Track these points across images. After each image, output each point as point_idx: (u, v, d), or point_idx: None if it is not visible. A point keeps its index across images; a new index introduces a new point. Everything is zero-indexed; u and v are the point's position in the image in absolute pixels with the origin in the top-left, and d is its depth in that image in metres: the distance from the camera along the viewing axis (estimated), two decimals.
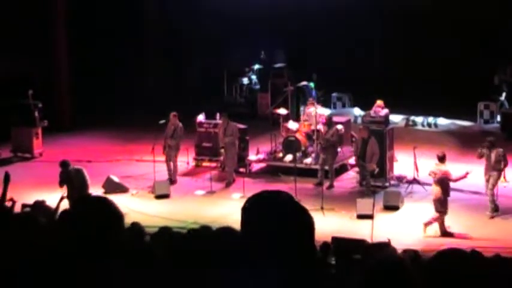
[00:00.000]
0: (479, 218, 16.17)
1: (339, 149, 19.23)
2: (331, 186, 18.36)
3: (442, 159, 15.68)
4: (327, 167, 18.59)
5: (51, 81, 24.69)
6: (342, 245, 12.72)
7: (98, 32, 25.78)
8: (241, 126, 19.86)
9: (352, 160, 19.20)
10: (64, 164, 16.28)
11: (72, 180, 16.00)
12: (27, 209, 12.72)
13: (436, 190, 15.53)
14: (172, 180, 18.85)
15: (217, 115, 20.57)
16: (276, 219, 2.33)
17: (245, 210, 2.38)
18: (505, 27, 23.84)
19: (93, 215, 3.05)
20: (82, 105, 24.16)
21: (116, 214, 3.06)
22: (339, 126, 19.46)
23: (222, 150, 19.23)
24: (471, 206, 16.76)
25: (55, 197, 15.03)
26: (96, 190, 17.26)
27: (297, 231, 2.32)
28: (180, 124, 19.02)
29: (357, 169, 18.61)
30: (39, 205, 12.76)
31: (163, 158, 18.92)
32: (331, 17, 25.29)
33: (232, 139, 19.03)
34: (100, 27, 25.77)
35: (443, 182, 15.43)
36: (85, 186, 16.12)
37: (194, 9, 26.58)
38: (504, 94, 24.08)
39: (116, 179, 18.50)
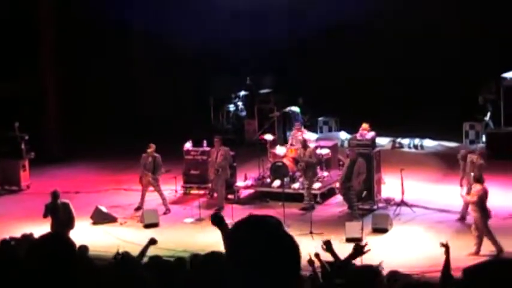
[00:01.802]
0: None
1: (319, 172, 19.29)
2: (309, 209, 18.27)
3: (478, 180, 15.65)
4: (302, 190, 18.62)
5: (39, 109, 24.66)
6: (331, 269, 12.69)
7: (86, 56, 25.92)
8: (231, 152, 19.90)
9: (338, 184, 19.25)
10: (54, 196, 16.23)
11: (58, 213, 15.97)
12: (13, 242, 12.66)
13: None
14: (166, 209, 18.86)
15: (204, 142, 20.60)
16: (261, 244, 2.33)
17: (231, 234, 2.39)
18: (488, 44, 24.07)
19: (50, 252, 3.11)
20: (70, 135, 24.16)
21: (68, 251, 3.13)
22: (311, 145, 19.57)
23: (216, 174, 19.11)
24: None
25: (43, 230, 15.02)
26: (84, 221, 17.22)
27: (283, 256, 2.33)
28: (157, 155, 19.01)
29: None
30: (27, 238, 12.70)
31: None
32: (315, 41, 25.48)
33: (225, 163, 19.09)
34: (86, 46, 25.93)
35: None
36: (71, 220, 16.09)
37: (179, 33, 26.73)
38: (489, 114, 24.23)
39: (104, 209, 18.46)
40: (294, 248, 2.33)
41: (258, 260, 2.25)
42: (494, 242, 15.32)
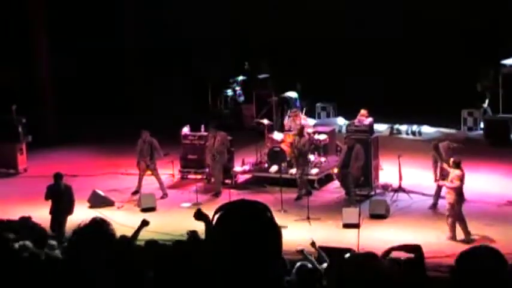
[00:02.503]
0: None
1: (312, 158, 19.25)
2: (299, 198, 18.20)
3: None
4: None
5: (34, 94, 24.61)
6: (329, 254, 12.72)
7: (77, 40, 25.85)
8: (228, 137, 19.88)
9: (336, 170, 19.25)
10: (58, 177, 16.04)
11: (62, 195, 15.87)
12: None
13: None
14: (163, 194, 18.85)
15: (202, 127, 20.58)
16: (247, 226, 2.33)
17: (214, 216, 2.39)
18: (488, 31, 24.02)
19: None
20: (66, 118, 24.12)
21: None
22: (309, 130, 19.56)
23: (211, 160, 19.09)
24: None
25: (41, 213, 15.01)
26: (81, 204, 17.21)
27: (266, 239, 2.33)
28: (153, 139, 18.94)
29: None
30: (25, 221, 12.67)
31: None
32: (314, 26, 25.42)
33: (223, 148, 19.07)
34: (80, 36, 25.86)
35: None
36: (72, 203, 16.04)
37: (175, 19, 26.67)
38: (487, 101, 24.21)
39: (101, 193, 18.45)
40: (278, 233, 2.35)
41: (241, 241, 2.27)
42: (465, 229, 15.34)
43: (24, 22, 24.65)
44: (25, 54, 24.68)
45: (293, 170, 19.27)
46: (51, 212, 15.74)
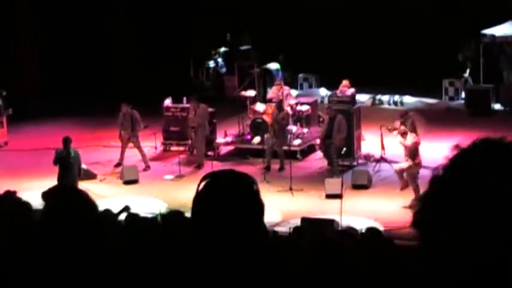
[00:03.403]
0: None
1: (292, 128, 19.26)
2: (281, 169, 18.24)
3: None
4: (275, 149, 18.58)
5: (16, 67, 24.42)
6: (312, 226, 12.82)
7: (63, 13, 25.61)
8: (209, 109, 19.85)
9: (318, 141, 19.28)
10: (67, 142, 15.56)
11: (70, 161, 15.39)
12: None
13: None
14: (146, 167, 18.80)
15: (184, 99, 20.52)
16: (234, 197, 2.35)
17: (199, 183, 2.40)
18: (466, 2, 24.03)
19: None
20: (48, 91, 23.97)
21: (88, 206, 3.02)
22: (292, 101, 19.53)
23: (192, 132, 19.12)
24: None
25: (25, 187, 14.94)
26: None
27: (251, 210, 2.35)
28: (135, 111, 18.87)
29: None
30: (10, 195, 12.63)
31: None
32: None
33: (203, 120, 19.04)
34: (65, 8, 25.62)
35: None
36: (80, 170, 15.81)
37: None
38: (468, 71, 24.28)
39: (83, 166, 18.39)
40: (261, 205, 2.37)
41: (223, 213, 2.29)
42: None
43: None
44: (9, 32, 24.48)
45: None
46: (59, 178, 15.25)
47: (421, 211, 1.92)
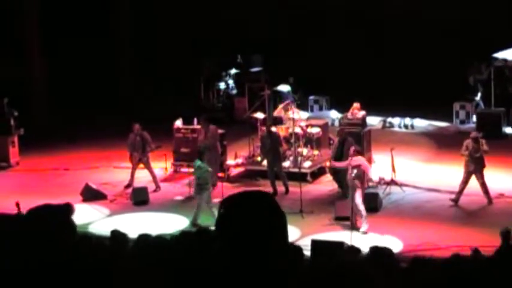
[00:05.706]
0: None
1: (305, 152, 19.26)
2: (287, 191, 18.07)
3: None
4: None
5: (26, 88, 24.56)
6: (322, 248, 12.77)
7: (69, 33, 25.80)
8: (219, 130, 19.85)
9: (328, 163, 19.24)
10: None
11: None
12: None
13: None
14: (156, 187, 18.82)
15: (195, 120, 20.55)
16: (263, 215, 2.35)
17: (221, 207, 2.40)
18: (478, 26, 24.07)
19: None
20: (58, 111, 24.07)
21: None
22: (302, 123, 19.57)
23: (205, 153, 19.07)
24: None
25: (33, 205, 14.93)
26: (74, 198, 17.17)
27: (278, 227, 2.36)
28: (144, 132, 18.95)
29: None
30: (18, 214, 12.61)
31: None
32: (306, 20, 25.41)
33: (215, 140, 19.01)
34: (71, 29, 25.81)
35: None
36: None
37: (169, 11, 26.60)
38: (479, 94, 24.26)
39: (94, 186, 18.42)
40: (285, 222, 2.42)
41: (256, 229, 2.30)
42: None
43: (18, 16, 24.61)
44: (18, 49, 24.64)
45: (286, 163, 19.25)
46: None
47: None
